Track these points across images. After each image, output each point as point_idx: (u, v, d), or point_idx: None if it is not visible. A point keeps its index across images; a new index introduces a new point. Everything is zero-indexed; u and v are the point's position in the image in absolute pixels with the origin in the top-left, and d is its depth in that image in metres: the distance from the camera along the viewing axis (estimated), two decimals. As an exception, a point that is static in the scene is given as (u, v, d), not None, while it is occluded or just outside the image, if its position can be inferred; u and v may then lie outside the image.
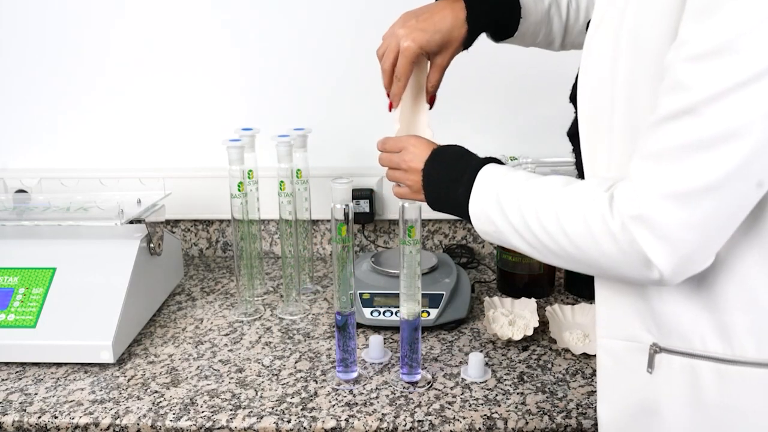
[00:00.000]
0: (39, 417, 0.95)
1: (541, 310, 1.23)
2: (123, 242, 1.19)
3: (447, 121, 1.47)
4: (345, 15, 1.45)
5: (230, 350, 1.13)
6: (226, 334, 1.19)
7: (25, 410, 0.96)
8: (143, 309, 1.21)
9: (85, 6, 1.46)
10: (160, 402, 0.98)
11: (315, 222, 1.53)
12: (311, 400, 0.98)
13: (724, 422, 0.68)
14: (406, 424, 0.92)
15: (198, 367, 1.08)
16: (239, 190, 1.21)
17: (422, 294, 1.04)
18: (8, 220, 1.24)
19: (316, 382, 1.03)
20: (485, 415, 0.94)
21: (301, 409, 0.96)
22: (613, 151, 0.71)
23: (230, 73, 1.49)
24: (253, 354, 1.12)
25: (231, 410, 0.96)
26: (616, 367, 0.76)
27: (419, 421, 0.93)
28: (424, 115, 0.99)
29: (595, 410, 0.93)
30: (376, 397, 0.98)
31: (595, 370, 1.05)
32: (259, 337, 1.18)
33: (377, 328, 1.19)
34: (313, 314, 1.27)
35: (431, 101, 1.00)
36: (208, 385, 1.03)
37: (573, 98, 0.80)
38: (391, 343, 1.15)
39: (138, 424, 0.93)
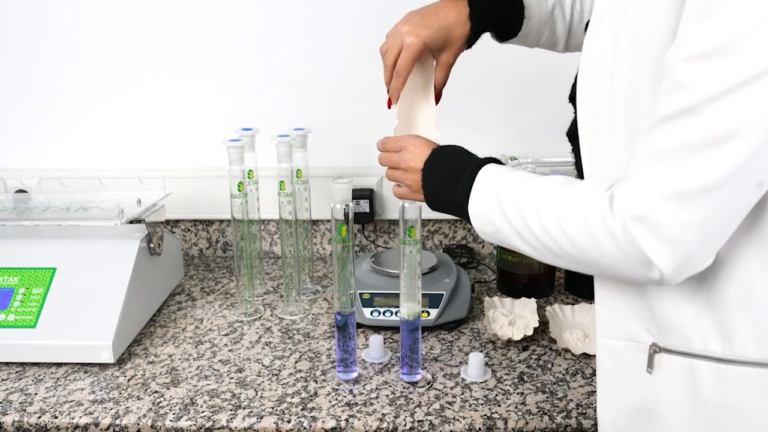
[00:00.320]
0: (39, 417, 0.95)
1: (541, 310, 1.23)
2: (123, 242, 1.19)
3: (447, 120, 1.47)
4: (345, 15, 1.45)
5: (230, 350, 1.13)
6: (226, 334, 1.19)
7: (25, 410, 0.96)
8: (143, 309, 1.21)
9: (85, 6, 1.46)
10: (160, 402, 0.98)
11: (315, 222, 1.53)
12: (311, 400, 0.98)
13: (724, 422, 0.68)
14: (406, 424, 0.92)
15: (198, 367, 1.08)
16: (239, 190, 1.21)
17: (422, 294, 1.04)
18: (8, 220, 1.24)
19: (316, 382, 1.03)
20: (485, 415, 0.94)
21: (301, 409, 0.96)
22: (612, 152, 0.71)
23: (230, 73, 1.49)
24: (253, 354, 1.12)
25: (231, 410, 0.96)
26: (615, 368, 0.76)
27: (419, 421, 0.93)
28: (432, 114, 0.99)
29: (595, 410, 0.93)
30: (376, 397, 0.98)
31: (595, 370, 1.05)
32: (259, 337, 1.18)
33: (377, 328, 1.19)
34: (313, 314, 1.27)
35: (436, 100, 1.00)
36: (208, 385, 1.03)
37: (572, 98, 0.81)
38: (391, 343, 1.15)
39: (138, 424, 0.93)
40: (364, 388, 1.01)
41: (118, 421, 0.94)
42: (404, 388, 1.01)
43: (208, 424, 0.93)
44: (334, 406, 0.96)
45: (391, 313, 1.18)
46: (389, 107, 0.99)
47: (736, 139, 0.58)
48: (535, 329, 1.15)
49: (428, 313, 1.17)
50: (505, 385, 1.02)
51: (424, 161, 0.87)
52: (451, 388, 1.01)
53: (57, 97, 1.52)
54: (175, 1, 1.45)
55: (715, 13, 0.58)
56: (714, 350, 0.68)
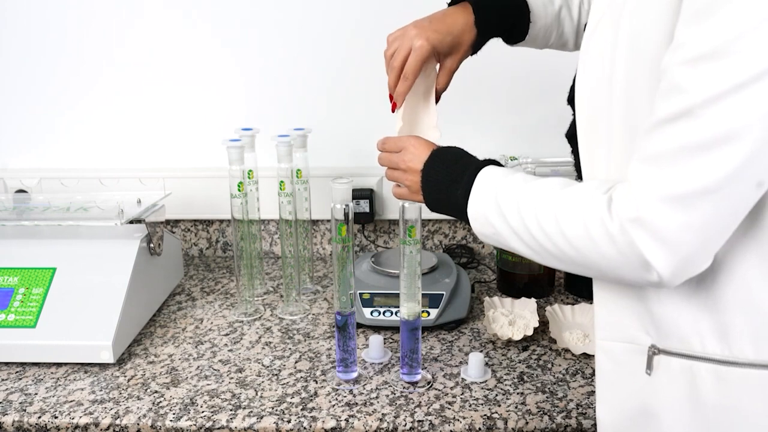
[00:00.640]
0: (39, 417, 0.95)
1: (541, 310, 1.23)
2: (123, 242, 1.19)
3: (447, 121, 1.47)
4: (345, 15, 1.45)
5: (230, 350, 1.13)
6: (226, 334, 1.19)
7: (25, 410, 0.96)
8: (143, 309, 1.21)
9: (85, 6, 1.46)
10: (160, 402, 0.98)
11: (315, 222, 1.53)
12: (311, 400, 0.98)
13: (723, 424, 0.68)
14: (406, 424, 0.92)
15: (198, 367, 1.08)
16: (239, 190, 1.21)
17: (422, 294, 1.04)
18: (8, 220, 1.24)
19: (316, 382, 1.03)
20: (485, 415, 0.94)
21: (301, 409, 0.96)
22: (611, 153, 0.71)
23: (230, 73, 1.49)
24: (253, 354, 1.12)
25: (231, 410, 0.96)
26: (615, 369, 0.76)
27: (419, 421, 0.93)
28: (433, 116, 0.99)
29: (595, 410, 0.93)
30: (376, 397, 0.98)
31: (595, 371, 1.05)
32: (259, 337, 1.18)
33: (377, 328, 1.19)
34: (313, 314, 1.27)
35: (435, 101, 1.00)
36: (208, 385, 1.03)
37: (571, 100, 0.81)
38: (391, 343, 1.15)
39: (138, 424, 0.93)
40: (364, 388, 1.01)
41: (118, 421, 0.94)
42: (404, 388, 1.01)
43: (208, 424, 0.93)
44: (334, 406, 0.96)
45: (391, 313, 1.18)
46: (393, 111, 0.99)
47: (734, 141, 0.58)
48: (535, 329, 1.15)
49: (428, 313, 1.17)
50: (505, 385, 1.02)
51: (424, 162, 0.87)
52: (451, 388, 1.01)
53: (57, 97, 1.52)
54: (174, 1, 1.45)
55: (712, 15, 0.58)
56: (713, 352, 0.68)
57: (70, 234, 1.22)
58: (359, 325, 1.18)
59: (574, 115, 0.78)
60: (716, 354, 0.68)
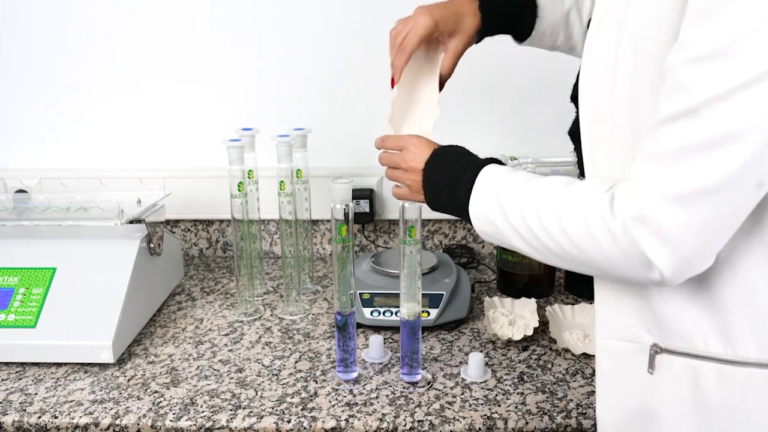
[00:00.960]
0: (39, 417, 0.95)
1: (541, 310, 1.23)
2: (123, 242, 1.19)
3: (448, 121, 1.47)
4: (345, 15, 1.44)
5: (230, 350, 1.13)
6: (226, 334, 1.19)
7: (25, 410, 0.96)
8: (143, 309, 1.21)
9: (85, 6, 1.46)
10: (160, 402, 0.98)
11: (315, 222, 1.53)
12: (311, 400, 0.98)
13: (726, 423, 0.68)
14: (406, 424, 0.92)
15: (198, 367, 1.08)
16: (239, 190, 1.21)
17: (422, 294, 1.04)
18: (8, 220, 1.24)
19: (316, 382, 1.03)
20: (485, 415, 0.94)
21: (301, 409, 0.96)
22: (614, 151, 0.71)
23: (230, 73, 1.49)
24: (253, 354, 1.12)
25: (231, 410, 0.96)
26: (616, 369, 0.76)
27: (419, 421, 0.93)
28: (434, 95, 0.98)
29: (596, 410, 0.93)
30: (376, 397, 0.98)
31: (595, 370, 1.05)
32: (259, 337, 1.18)
33: (377, 328, 1.19)
34: (313, 314, 1.27)
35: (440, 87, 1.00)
36: (208, 385, 1.03)
37: (574, 98, 0.80)
38: (391, 343, 1.15)
39: (138, 424, 0.93)
40: (364, 388, 1.01)
41: (118, 421, 0.94)
42: (404, 388, 1.01)
43: (208, 424, 0.93)
44: (334, 406, 0.96)
45: (391, 313, 1.18)
46: (392, 86, 0.98)
47: (737, 141, 0.58)
48: (535, 329, 1.15)
49: (428, 313, 1.17)
50: (505, 385, 1.02)
51: (425, 161, 0.87)
52: (451, 388, 1.01)
53: (57, 97, 1.52)
54: (175, 1, 1.45)
55: (716, 14, 0.58)
56: (716, 351, 0.68)
57: (70, 234, 1.22)
58: (359, 325, 1.18)
59: (577, 113, 0.78)
60: (720, 353, 0.68)
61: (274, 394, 0.99)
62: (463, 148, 0.87)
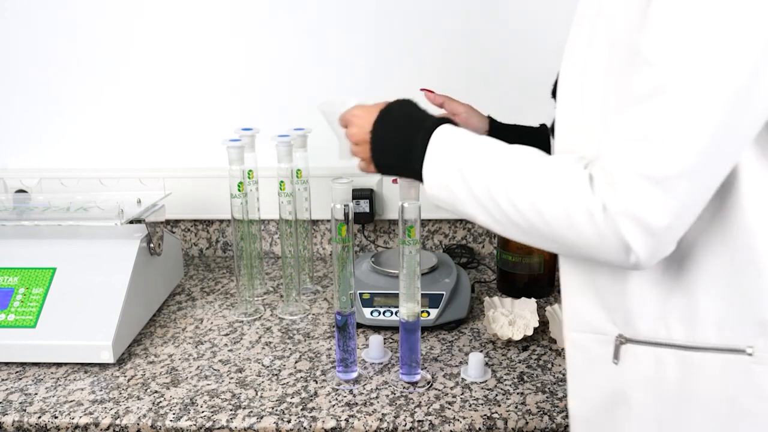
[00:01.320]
0: (39, 417, 0.95)
1: (541, 310, 1.23)
2: (123, 242, 1.19)
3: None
4: (344, 14, 1.44)
5: (230, 350, 1.13)
6: (226, 334, 1.19)
7: (25, 410, 0.96)
8: (143, 309, 1.21)
9: (85, 7, 1.46)
10: (160, 402, 0.98)
11: (315, 222, 1.53)
12: (311, 400, 0.98)
13: (684, 407, 0.70)
14: (406, 424, 0.92)
15: (198, 367, 1.08)
16: (239, 190, 1.21)
17: (422, 294, 1.04)
18: (8, 220, 1.24)
19: (316, 382, 1.03)
20: (485, 415, 0.94)
21: (301, 409, 0.96)
22: (585, 143, 0.71)
23: (230, 73, 1.49)
24: (253, 354, 1.12)
25: (231, 410, 0.96)
26: (584, 361, 0.77)
27: (419, 421, 0.93)
28: None
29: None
30: (376, 397, 0.98)
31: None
32: (259, 337, 1.18)
33: (377, 328, 1.19)
34: (313, 314, 1.27)
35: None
36: (208, 385, 1.03)
37: (554, 93, 0.80)
38: (391, 343, 1.15)
39: (138, 424, 0.93)
40: (364, 388, 1.01)
41: (118, 421, 0.94)
42: (404, 388, 1.01)
43: (208, 424, 0.93)
44: (334, 406, 0.96)
45: (391, 313, 1.18)
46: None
47: (704, 116, 0.58)
48: (535, 329, 1.15)
49: (428, 313, 1.17)
50: (505, 385, 1.02)
51: (371, 129, 0.83)
52: (451, 388, 1.01)
53: (57, 97, 1.52)
54: (175, 1, 1.45)
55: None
56: (678, 338, 0.69)
57: (70, 234, 1.22)
58: (359, 325, 1.18)
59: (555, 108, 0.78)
60: (681, 340, 0.69)
61: (274, 394, 0.99)
62: (412, 102, 0.84)
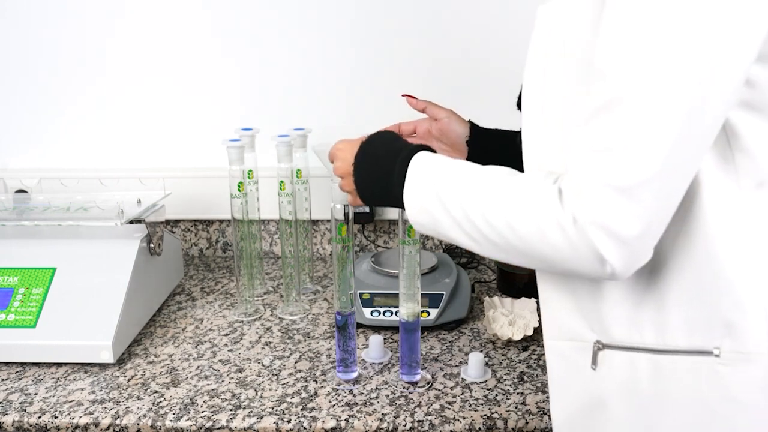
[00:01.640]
0: (39, 417, 0.95)
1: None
2: (123, 242, 1.19)
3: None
4: (345, 14, 1.45)
5: (230, 350, 1.13)
6: (226, 334, 1.19)
7: (25, 410, 0.96)
8: (143, 309, 1.21)
9: (85, 6, 1.46)
10: (160, 402, 0.98)
11: (315, 222, 1.53)
12: (311, 400, 0.98)
13: (657, 410, 0.70)
14: (406, 424, 0.92)
15: (198, 367, 1.08)
16: (239, 190, 1.21)
17: (422, 294, 1.04)
18: (8, 220, 1.24)
19: (316, 382, 1.03)
20: (485, 415, 0.94)
21: (301, 409, 0.96)
22: (547, 154, 0.72)
23: (230, 73, 1.49)
24: (253, 354, 1.12)
25: (231, 410, 0.96)
26: (563, 367, 0.77)
27: (419, 421, 0.93)
28: None
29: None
30: (376, 397, 0.98)
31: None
32: (259, 337, 1.18)
33: (377, 328, 1.19)
34: (313, 314, 1.27)
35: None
36: (208, 385, 1.03)
37: (519, 105, 0.81)
38: (391, 343, 1.15)
39: (138, 424, 0.93)
40: (364, 388, 1.01)
41: (118, 421, 0.94)
42: (404, 388, 1.01)
43: (208, 424, 0.93)
44: (334, 406, 0.96)
45: (391, 313, 1.18)
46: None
47: (663, 125, 0.59)
48: (535, 329, 1.15)
49: (428, 313, 1.17)
50: (505, 385, 1.02)
51: (353, 163, 0.85)
52: (451, 388, 1.01)
53: (57, 97, 1.52)
54: (175, 2, 1.45)
55: (630, 6, 0.59)
56: (650, 342, 0.70)
57: (70, 234, 1.22)
58: (359, 325, 1.18)
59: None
60: (652, 343, 0.70)
61: (274, 394, 1.00)
62: (391, 133, 0.86)
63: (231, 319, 1.25)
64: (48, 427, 0.94)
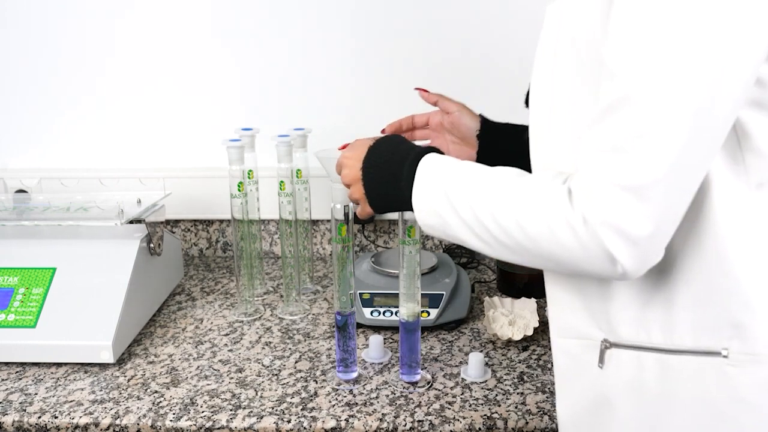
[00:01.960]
0: (39, 417, 0.95)
1: (541, 310, 1.23)
2: (123, 242, 1.19)
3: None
4: (344, 14, 1.45)
5: (230, 350, 1.13)
6: (226, 334, 1.19)
7: (25, 410, 0.96)
8: (143, 309, 1.21)
9: (85, 6, 1.46)
10: (160, 402, 0.98)
11: (315, 222, 1.53)
12: (311, 400, 0.98)
13: (664, 409, 0.70)
14: (406, 424, 0.92)
15: (198, 367, 1.08)
16: (239, 190, 1.21)
17: (422, 294, 1.04)
18: (8, 220, 1.24)
19: (316, 382, 1.03)
20: (485, 415, 0.94)
21: (301, 409, 0.96)
22: (555, 153, 0.72)
23: (230, 73, 1.49)
24: (253, 354, 1.12)
25: (231, 410, 0.96)
26: (570, 365, 0.77)
27: (419, 421, 0.93)
28: None
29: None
30: (376, 397, 0.98)
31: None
32: (259, 337, 1.18)
33: (377, 328, 1.19)
34: (313, 314, 1.27)
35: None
36: (208, 385, 1.03)
37: (527, 102, 0.81)
38: (391, 343, 1.15)
39: (138, 424, 0.93)
40: (364, 388, 1.01)
41: (118, 421, 0.94)
42: (404, 388, 1.01)
43: (208, 424, 0.93)
44: (334, 406, 0.96)
45: (391, 313, 1.18)
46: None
47: (673, 125, 0.59)
48: (535, 329, 1.15)
49: (428, 313, 1.17)
50: (505, 385, 1.02)
51: (360, 168, 0.85)
52: (451, 388, 1.01)
53: (57, 97, 1.52)
54: (175, 2, 1.45)
55: (640, 5, 0.59)
56: (658, 341, 0.70)
57: (70, 234, 1.22)
58: (359, 325, 1.18)
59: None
60: (660, 343, 0.69)
61: (274, 394, 1.00)
62: (398, 137, 0.86)
63: (231, 319, 1.25)
64: (48, 427, 0.94)
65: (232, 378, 1.04)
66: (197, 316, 1.27)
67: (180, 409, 0.96)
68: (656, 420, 0.71)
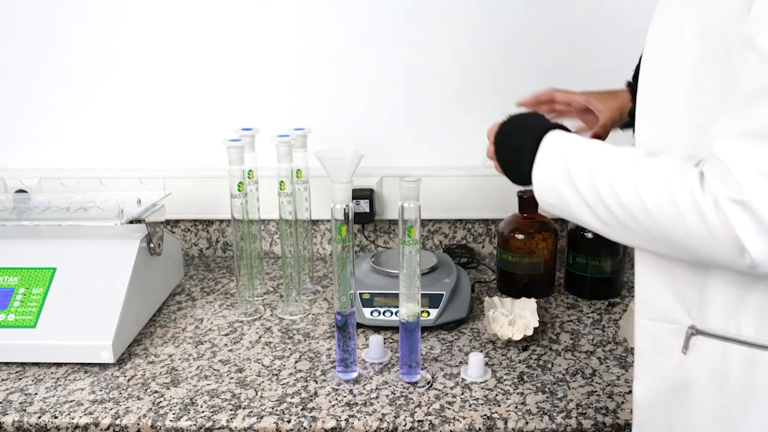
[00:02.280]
0: (39, 417, 0.95)
1: (541, 310, 1.23)
2: (123, 242, 1.19)
3: (449, 121, 1.47)
4: (344, 13, 1.44)
5: (230, 350, 1.13)
6: (226, 334, 1.19)
7: (25, 410, 0.96)
8: (143, 309, 1.21)
9: (85, 6, 1.46)
10: (160, 402, 0.98)
11: (315, 222, 1.53)
12: (311, 400, 0.98)
13: (749, 404, 0.69)
14: (406, 424, 0.92)
15: (198, 367, 1.08)
16: (239, 190, 1.21)
17: (422, 294, 1.04)
18: (8, 220, 1.24)
19: (316, 382, 1.03)
20: (485, 415, 0.94)
21: (301, 409, 0.96)
22: (677, 135, 0.69)
23: (230, 73, 1.49)
24: (253, 354, 1.12)
25: (231, 410, 0.96)
26: (653, 348, 0.76)
27: (419, 421, 0.93)
28: None
29: (596, 410, 0.94)
30: (376, 397, 0.98)
31: (595, 370, 1.05)
32: (259, 337, 1.18)
33: (377, 328, 1.19)
34: (313, 314, 1.27)
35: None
36: (208, 385, 1.03)
37: (631, 82, 0.79)
38: (391, 343, 1.15)
39: (138, 424, 0.93)
40: (364, 388, 1.01)
41: (118, 421, 0.94)
42: (404, 388, 1.01)
43: (208, 424, 0.93)
44: (334, 406, 0.96)
45: (391, 313, 1.18)
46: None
47: None
48: (535, 329, 1.15)
49: (428, 313, 1.17)
50: (505, 385, 1.02)
51: (493, 142, 0.87)
52: (451, 388, 1.01)
53: (57, 97, 1.52)
54: (175, 1, 1.45)
55: None
56: (747, 335, 0.68)
57: (70, 234, 1.22)
58: (359, 325, 1.18)
59: (633, 99, 0.75)
60: (750, 337, 0.67)
61: (274, 394, 1.00)
62: (533, 113, 0.87)
63: (231, 319, 1.25)
64: (48, 427, 0.94)
65: (232, 378, 1.04)
66: (197, 316, 1.27)
67: (180, 409, 0.96)
68: (736, 412, 0.69)
